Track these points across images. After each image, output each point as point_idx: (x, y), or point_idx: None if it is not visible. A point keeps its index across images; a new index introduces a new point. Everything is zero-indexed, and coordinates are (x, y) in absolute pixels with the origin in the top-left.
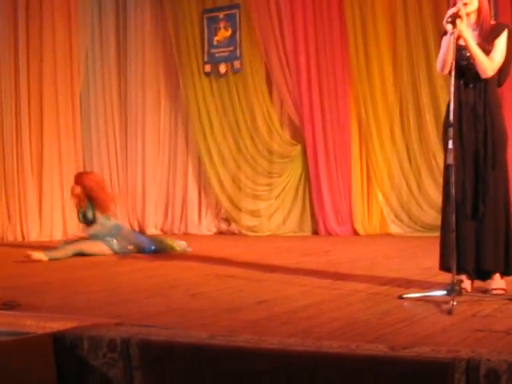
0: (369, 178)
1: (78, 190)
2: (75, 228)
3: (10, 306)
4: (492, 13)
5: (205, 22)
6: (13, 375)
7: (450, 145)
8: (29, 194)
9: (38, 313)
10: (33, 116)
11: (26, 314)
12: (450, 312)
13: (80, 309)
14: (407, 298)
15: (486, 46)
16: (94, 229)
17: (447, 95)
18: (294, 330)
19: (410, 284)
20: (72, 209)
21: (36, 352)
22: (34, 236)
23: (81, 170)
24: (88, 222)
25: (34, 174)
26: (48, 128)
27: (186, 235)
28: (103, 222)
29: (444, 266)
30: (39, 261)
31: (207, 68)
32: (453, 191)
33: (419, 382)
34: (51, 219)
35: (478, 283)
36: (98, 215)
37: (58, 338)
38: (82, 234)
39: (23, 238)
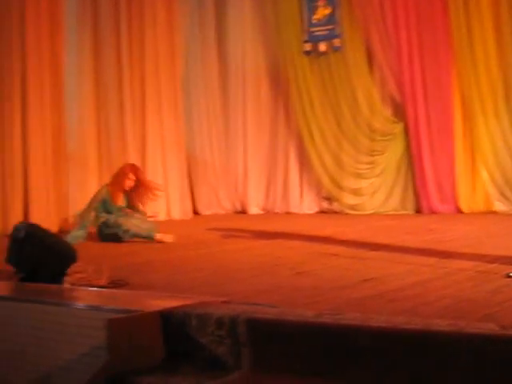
0: (472, 155)
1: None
2: (178, 207)
3: (118, 284)
4: None
5: (304, 0)
6: (123, 351)
7: None
8: None
9: (146, 291)
10: (136, 97)
11: (135, 292)
12: None
13: (186, 287)
14: None
15: None
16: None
17: None
18: (401, 308)
19: None
20: (177, 188)
21: (145, 329)
22: None
23: (181, 151)
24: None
25: (137, 154)
26: (151, 110)
27: (287, 214)
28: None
29: None
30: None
31: (307, 47)
32: None
33: None
34: None
35: None
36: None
37: (166, 316)
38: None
39: None
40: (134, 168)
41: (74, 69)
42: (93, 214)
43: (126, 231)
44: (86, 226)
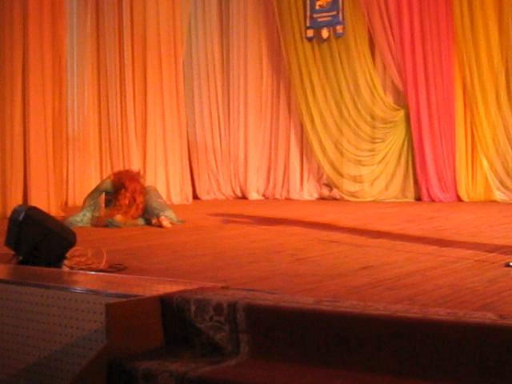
0: (473, 144)
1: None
2: (178, 192)
3: (117, 268)
4: None
5: None
6: (121, 336)
7: None
8: (133, 159)
9: (145, 276)
10: (137, 82)
11: (134, 277)
12: None
13: (185, 272)
14: None
15: None
16: None
17: None
18: (399, 296)
19: None
20: (177, 173)
21: (144, 314)
22: None
23: (182, 136)
24: None
25: (138, 138)
26: (152, 94)
27: (287, 200)
28: None
29: None
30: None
31: (309, 33)
32: None
33: None
34: (155, 181)
35: None
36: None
37: (165, 301)
38: None
39: None
40: (134, 195)
41: (76, 52)
42: (94, 201)
43: (121, 224)
44: (86, 212)
